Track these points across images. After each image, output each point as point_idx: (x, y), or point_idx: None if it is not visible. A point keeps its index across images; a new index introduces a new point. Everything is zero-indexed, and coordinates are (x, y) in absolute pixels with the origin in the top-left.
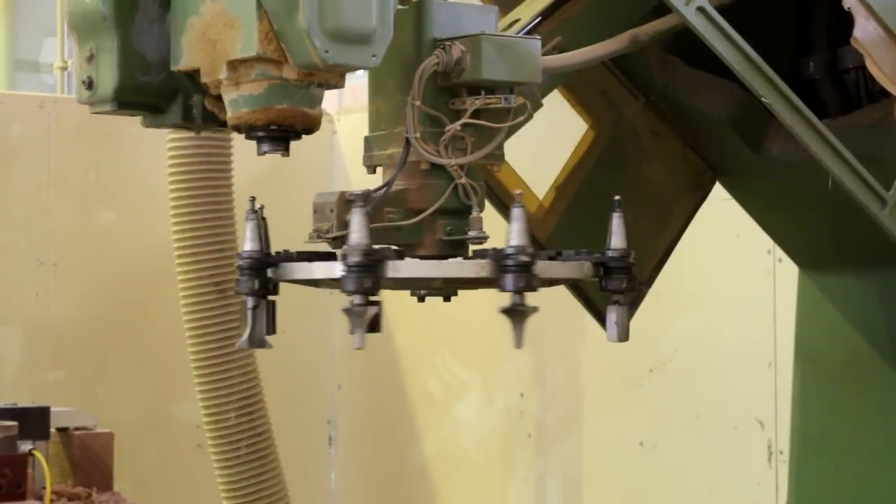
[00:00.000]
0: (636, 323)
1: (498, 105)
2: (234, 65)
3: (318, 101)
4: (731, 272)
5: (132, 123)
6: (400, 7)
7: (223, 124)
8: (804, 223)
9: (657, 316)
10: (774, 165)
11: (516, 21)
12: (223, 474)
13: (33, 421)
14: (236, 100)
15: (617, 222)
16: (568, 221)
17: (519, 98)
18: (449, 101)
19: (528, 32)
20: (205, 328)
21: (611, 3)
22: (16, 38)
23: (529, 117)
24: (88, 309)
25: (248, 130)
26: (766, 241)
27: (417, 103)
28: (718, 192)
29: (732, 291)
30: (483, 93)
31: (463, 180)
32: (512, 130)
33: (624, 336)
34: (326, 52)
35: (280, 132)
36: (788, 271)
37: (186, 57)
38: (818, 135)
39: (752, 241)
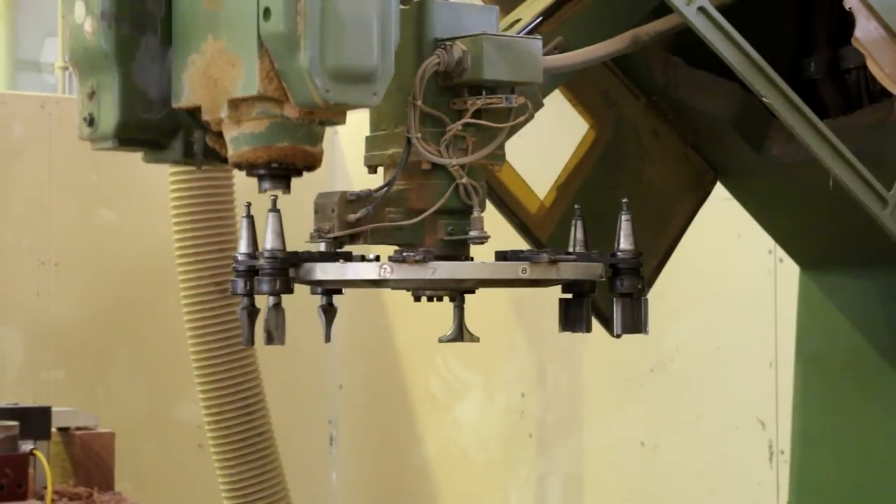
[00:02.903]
0: None
1: (499, 105)
2: (235, 103)
3: (320, 138)
4: (732, 272)
5: None
6: (401, 7)
7: (224, 160)
8: (805, 223)
9: (658, 316)
10: (775, 165)
11: (517, 21)
12: (224, 474)
13: (34, 421)
14: (237, 138)
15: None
16: (569, 222)
17: (520, 98)
18: (450, 101)
19: (529, 32)
20: (206, 328)
21: (611, 3)
22: (17, 38)
23: (530, 117)
24: (90, 309)
25: (250, 168)
26: (767, 241)
27: (419, 103)
28: (719, 191)
29: (733, 291)
30: (484, 93)
31: (464, 180)
32: (513, 130)
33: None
34: (327, 91)
35: (281, 170)
36: (789, 271)
37: (187, 94)
38: (819, 135)
39: (753, 241)
